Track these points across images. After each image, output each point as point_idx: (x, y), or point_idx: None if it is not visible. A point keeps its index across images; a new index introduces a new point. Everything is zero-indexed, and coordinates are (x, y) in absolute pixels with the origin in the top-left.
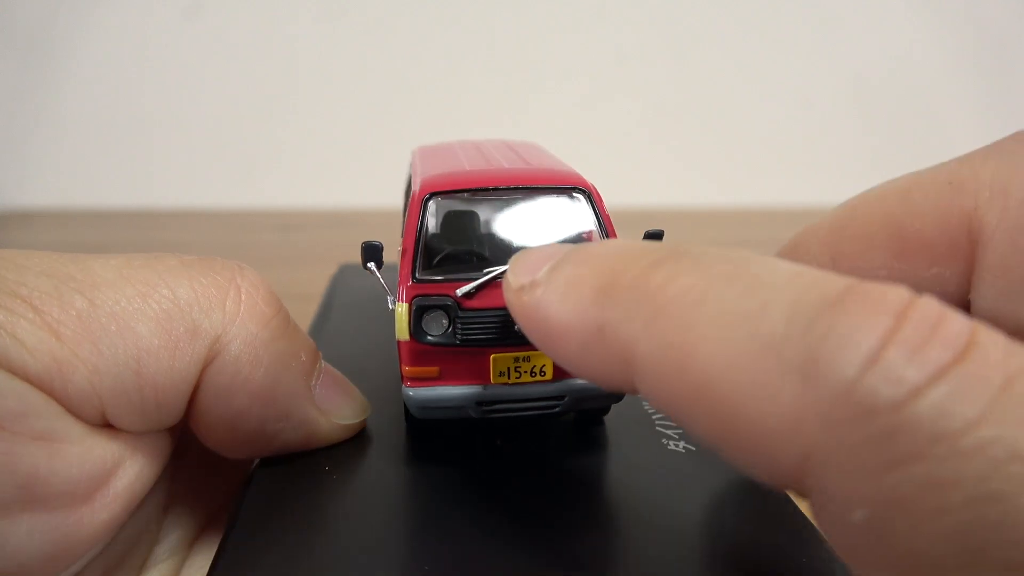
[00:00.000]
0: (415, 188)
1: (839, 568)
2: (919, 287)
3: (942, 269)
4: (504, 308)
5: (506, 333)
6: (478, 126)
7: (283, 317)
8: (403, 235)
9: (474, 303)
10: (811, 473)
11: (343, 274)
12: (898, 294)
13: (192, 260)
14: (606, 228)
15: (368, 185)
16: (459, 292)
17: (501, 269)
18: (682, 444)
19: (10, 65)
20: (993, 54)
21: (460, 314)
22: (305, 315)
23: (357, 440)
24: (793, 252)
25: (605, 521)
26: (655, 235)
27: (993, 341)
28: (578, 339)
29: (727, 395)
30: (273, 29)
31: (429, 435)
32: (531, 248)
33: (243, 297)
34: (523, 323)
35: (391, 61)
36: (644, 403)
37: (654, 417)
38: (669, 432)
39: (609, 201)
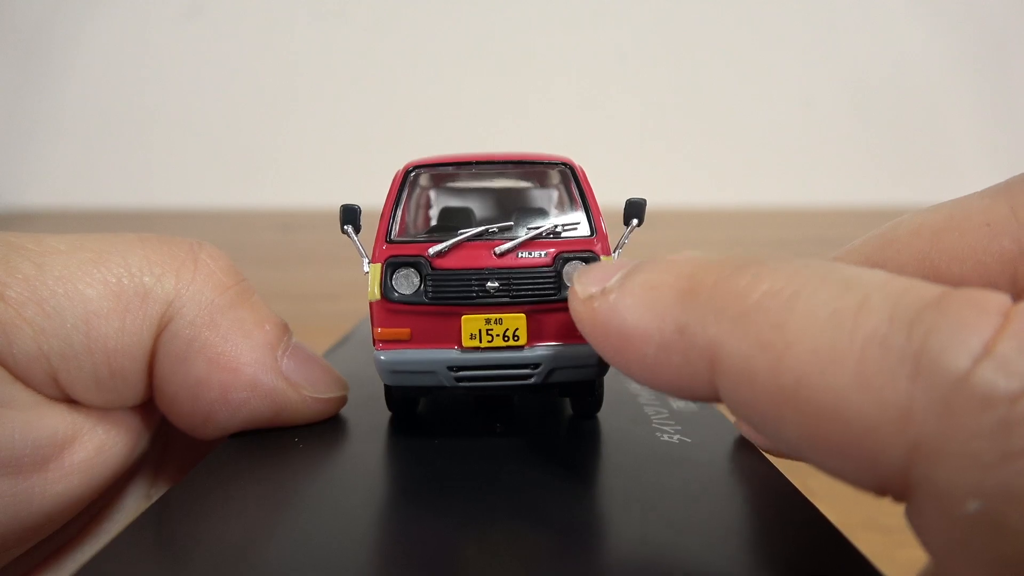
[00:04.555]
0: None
1: (836, 542)
2: None
3: None
4: (475, 269)
5: (477, 294)
6: (479, 125)
7: (244, 288)
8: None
9: (445, 263)
10: (919, 464)
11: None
12: (999, 297)
13: (151, 236)
14: (589, 203)
15: (368, 185)
16: (431, 251)
17: (474, 231)
18: (677, 437)
19: (10, 65)
20: (993, 54)
21: (430, 272)
22: (304, 315)
23: (337, 423)
24: None
25: (598, 505)
26: (637, 203)
27: None
28: (656, 342)
29: (826, 393)
30: (273, 30)
31: (414, 424)
32: (596, 263)
33: (199, 266)
34: (592, 331)
35: (391, 61)
36: (640, 399)
37: (647, 410)
38: (666, 428)
39: (609, 200)
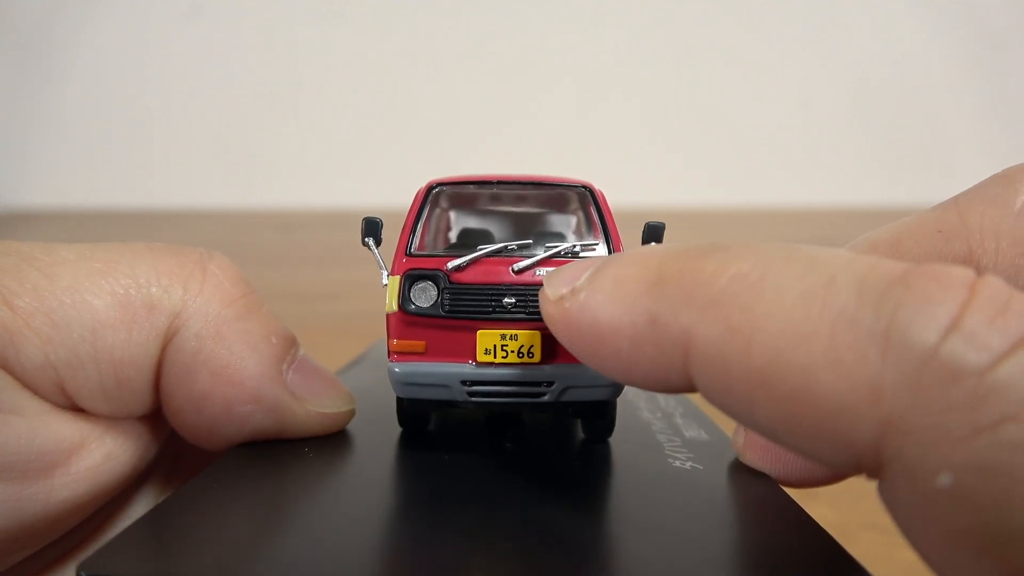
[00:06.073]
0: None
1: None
2: None
3: None
4: (493, 284)
5: (493, 309)
6: (479, 125)
7: (251, 300)
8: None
9: (463, 277)
10: (891, 440)
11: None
12: (964, 271)
13: (160, 245)
14: (608, 226)
15: (368, 185)
16: (449, 265)
17: (493, 247)
18: (689, 464)
19: (10, 65)
20: (993, 54)
21: (448, 286)
22: (304, 315)
23: (347, 436)
24: None
25: (606, 522)
26: (656, 227)
27: None
28: (628, 334)
29: (797, 372)
30: (273, 30)
31: (424, 440)
32: (564, 265)
33: (207, 277)
34: (565, 331)
35: (391, 61)
36: (652, 427)
37: (659, 437)
38: (677, 455)
39: (609, 201)
